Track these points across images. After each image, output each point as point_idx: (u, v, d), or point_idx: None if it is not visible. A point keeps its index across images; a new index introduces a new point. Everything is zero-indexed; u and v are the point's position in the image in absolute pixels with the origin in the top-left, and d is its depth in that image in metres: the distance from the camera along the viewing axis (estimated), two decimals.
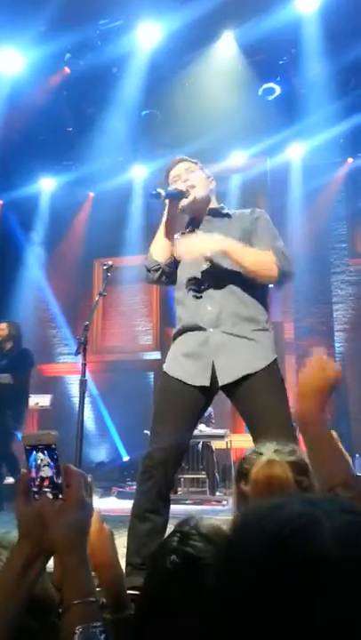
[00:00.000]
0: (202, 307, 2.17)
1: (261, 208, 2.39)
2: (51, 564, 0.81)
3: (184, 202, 2.26)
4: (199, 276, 2.21)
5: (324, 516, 0.46)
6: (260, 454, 1.25)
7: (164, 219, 2.28)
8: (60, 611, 0.74)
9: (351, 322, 8.09)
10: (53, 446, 0.78)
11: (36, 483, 0.79)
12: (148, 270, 2.29)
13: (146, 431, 7.28)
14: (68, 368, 8.65)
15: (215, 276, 2.18)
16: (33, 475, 0.79)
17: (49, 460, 0.78)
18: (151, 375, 8.96)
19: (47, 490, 0.78)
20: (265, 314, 2.20)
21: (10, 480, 5.23)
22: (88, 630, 0.69)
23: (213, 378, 2.12)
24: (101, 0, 5.88)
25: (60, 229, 8.93)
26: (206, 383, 2.12)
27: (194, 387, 2.13)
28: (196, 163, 2.38)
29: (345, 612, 0.41)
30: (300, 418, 0.99)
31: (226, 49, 6.39)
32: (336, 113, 6.59)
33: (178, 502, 5.23)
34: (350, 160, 7.89)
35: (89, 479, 0.80)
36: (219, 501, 5.87)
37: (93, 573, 0.81)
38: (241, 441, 6.16)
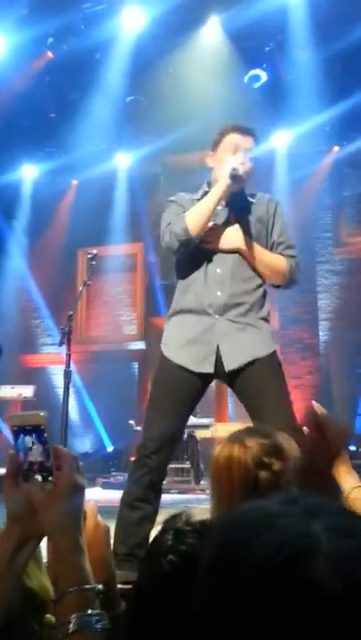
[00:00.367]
0: (211, 291, 2.16)
1: None
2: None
3: (234, 187, 2.16)
4: (216, 261, 2.19)
5: (323, 537, 0.42)
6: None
7: (218, 196, 2.12)
8: (54, 599, 0.70)
9: (336, 311, 8.13)
10: (42, 427, 0.74)
11: (25, 466, 0.75)
12: (178, 239, 2.13)
13: (131, 421, 7.33)
14: (52, 358, 8.58)
15: (230, 265, 2.18)
16: (21, 458, 0.75)
17: (38, 443, 0.75)
18: (135, 365, 8.93)
19: (36, 473, 0.75)
20: (266, 305, 2.23)
21: None
22: (83, 619, 0.65)
23: (217, 365, 2.11)
24: None
25: (42, 217, 8.82)
26: (211, 370, 2.11)
27: (196, 373, 2.12)
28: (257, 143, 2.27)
29: None
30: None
31: (212, 34, 6.32)
32: (322, 101, 6.56)
33: (163, 492, 5.23)
34: (336, 148, 7.88)
35: (80, 462, 0.76)
36: (203, 490, 5.90)
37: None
38: (226, 430, 6.17)
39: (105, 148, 7.92)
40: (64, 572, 0.69)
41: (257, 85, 6.70)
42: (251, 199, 2.29)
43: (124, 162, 8.40)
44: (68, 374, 3.08)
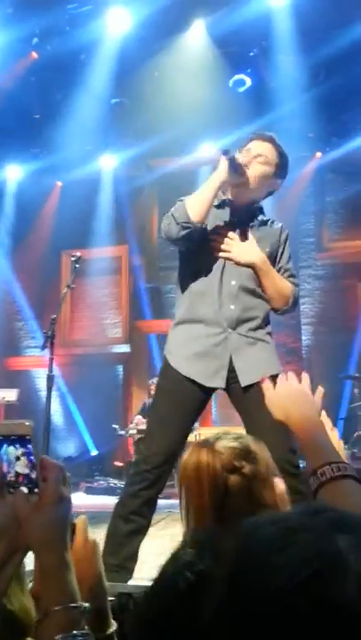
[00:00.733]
0: (226, 304, 2.14)
1: None
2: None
3: (233, 178, 2.17)
4: (231, 272, 2.18)
5: (351, 554, 0.37)
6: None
7: (216, 181, 2.14)
8: (37, 619, 0.66)
9: (318, 315, 8.19)
10: (28, 437, 0.72)
11: (9, 477, 0.73)
12: (177, 223, 2.08)
13: (114, 425, 7.29)
14: (35, 361, 8.49)
15: (244, 278, 2.18)
16: (5, 469, 0.73)
17: (23, 453, 0.73)
18: (120, 368, 8.89)
19: (22, 484, 0.73)
20: (269, 322, 2.27)
21: None
22: (68, 639, 0.62)
23: (228, 379, 2.11)
24: None
25: (26, 219, 8.74)
26: (222, 385, 2.10)
27: (205, 387, 2.10)
28: (281, 157, 2.29)
29: None
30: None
31: (196, 38, 6.33)
32: (306, 106, 6.61)
33: None
34: (319, 154, 7.94)
35: (67, 473, 0.74)
36: None
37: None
38: (209, 435, 6.16)
39: (90, 149, 7.88)
40: (48, 588, 0.66)
41: (242, 90, 6.72)
42: (266, 219, 2.32)
43: (109, 164, 8.37)
44: (50, 378, 3.06)
